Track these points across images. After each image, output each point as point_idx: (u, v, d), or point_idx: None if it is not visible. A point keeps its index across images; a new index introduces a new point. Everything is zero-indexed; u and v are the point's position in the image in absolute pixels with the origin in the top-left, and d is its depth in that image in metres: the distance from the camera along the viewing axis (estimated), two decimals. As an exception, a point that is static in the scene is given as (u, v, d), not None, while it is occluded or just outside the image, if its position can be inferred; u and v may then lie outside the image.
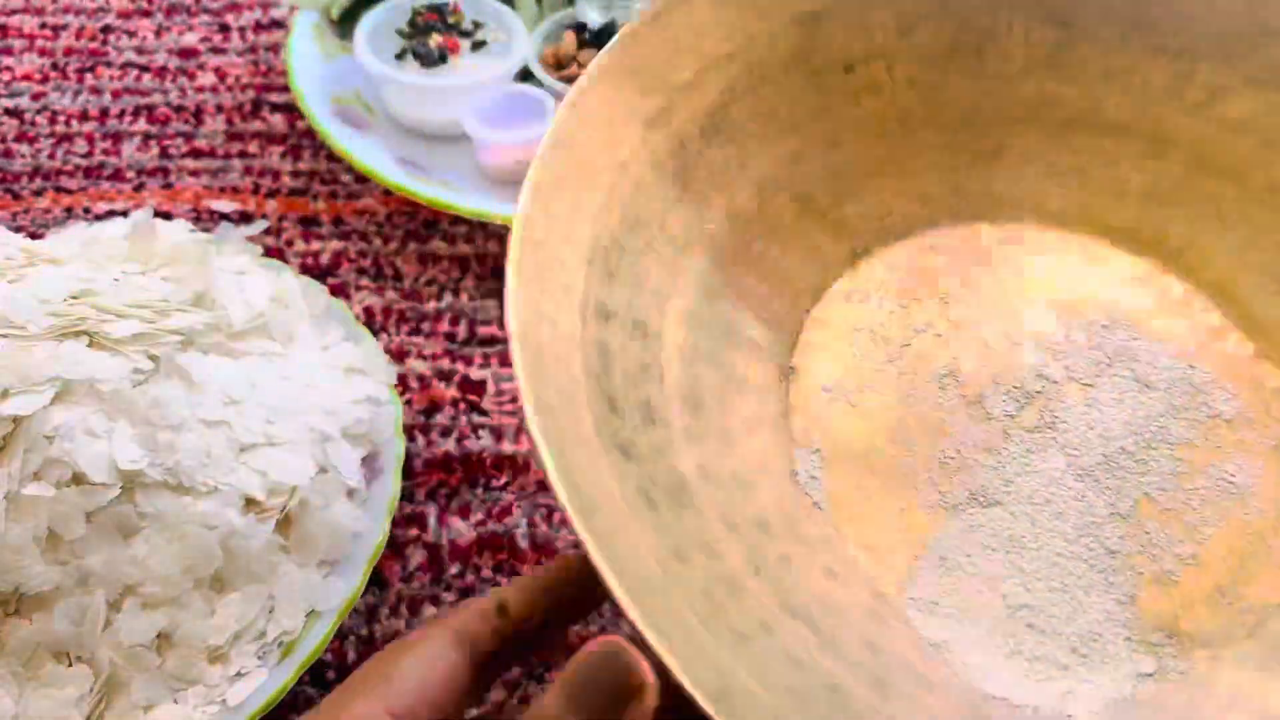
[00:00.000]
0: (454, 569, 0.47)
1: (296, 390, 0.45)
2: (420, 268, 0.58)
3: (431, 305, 0.56)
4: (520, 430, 0.51)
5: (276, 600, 0.41)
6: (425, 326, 0.55)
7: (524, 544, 0.47)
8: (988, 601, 0.36)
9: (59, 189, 0.62)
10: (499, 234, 0.60)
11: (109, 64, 0.70)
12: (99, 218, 0.60)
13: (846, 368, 0.39)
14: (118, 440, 0.39)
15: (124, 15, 0.73)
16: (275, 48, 0.71)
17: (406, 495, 0.49)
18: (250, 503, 0.42)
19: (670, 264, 0.37)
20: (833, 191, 0.41)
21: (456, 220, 0.60)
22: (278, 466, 0.42)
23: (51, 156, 0.64)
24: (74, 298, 0.42)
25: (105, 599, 0.39)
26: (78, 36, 0.72)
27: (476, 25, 0.64)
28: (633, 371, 0.34)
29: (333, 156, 0.64)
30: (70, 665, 0.38)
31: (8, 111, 0.67)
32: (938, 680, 0.34)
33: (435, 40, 0.63)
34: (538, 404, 0.28)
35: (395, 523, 0.47)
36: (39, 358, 0.39)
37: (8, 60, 0.70)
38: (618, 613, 0.36)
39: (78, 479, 0.38)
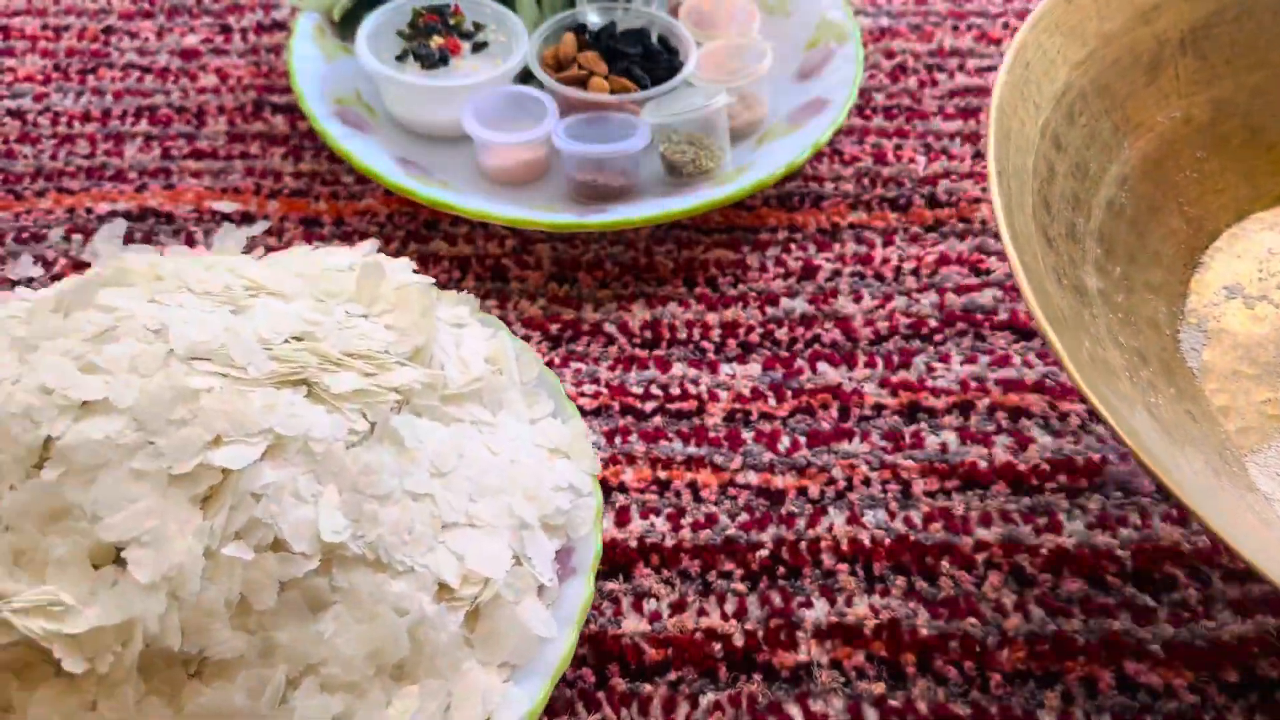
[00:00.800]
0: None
1: (501, 467, 0.42)
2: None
3: (432, 306, 0.57)
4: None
5: (454, 699, 0.38)
6: (426, 327, 0.56)
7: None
8: None
9: (61, 189, 0.62)
10: (499, 234, 0.60)
11: (111, 65, 0.70)
12: (101, 218, 0.60)
13: (1251, 278, 0.45)
14: (324, 507, 0.37)
15: (126, 16, 0.73)
16: (277, 49, 0.71)
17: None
18: (442, 588, 0.39)
19: (1120, 135, 0.44)
20: None
21: (457, 221, 0.60)
22: (475, 552, 0.40)
23: (54, 157, 0.64)
24: (295, 338, 0.40)
25: (286, 675, 0.36)
26: (80, 38, 0.72)
27: (477, 26, 0.65)
28: (1067, 196, 0.41)
29: (334, 157, 0.64)
30: None
31: (10, 112, 0.67)
32: (1264, 515, 0.39)
33: (436, 42, 0.63)
34: (999, 166, 0.37)
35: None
36: (256, 406, 0.37)
37: (10, 61, 0.70)
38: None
39: (277, 545, 0.36)
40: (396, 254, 0.59)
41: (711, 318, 0.56)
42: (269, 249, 0.59)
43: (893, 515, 0.48)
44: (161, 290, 0.41)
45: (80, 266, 0.58)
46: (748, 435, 0.51)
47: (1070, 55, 0.43)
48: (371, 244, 0.49)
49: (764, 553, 0.47)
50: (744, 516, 0.48)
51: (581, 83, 0.61)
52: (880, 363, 0.54)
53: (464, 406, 0.43)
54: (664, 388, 0.53)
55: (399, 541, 0.38)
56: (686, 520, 0.48)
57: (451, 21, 0.64)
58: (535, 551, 0.41)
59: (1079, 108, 0.43)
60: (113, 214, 0.61)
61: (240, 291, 0.42)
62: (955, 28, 0.73)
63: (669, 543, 0.48)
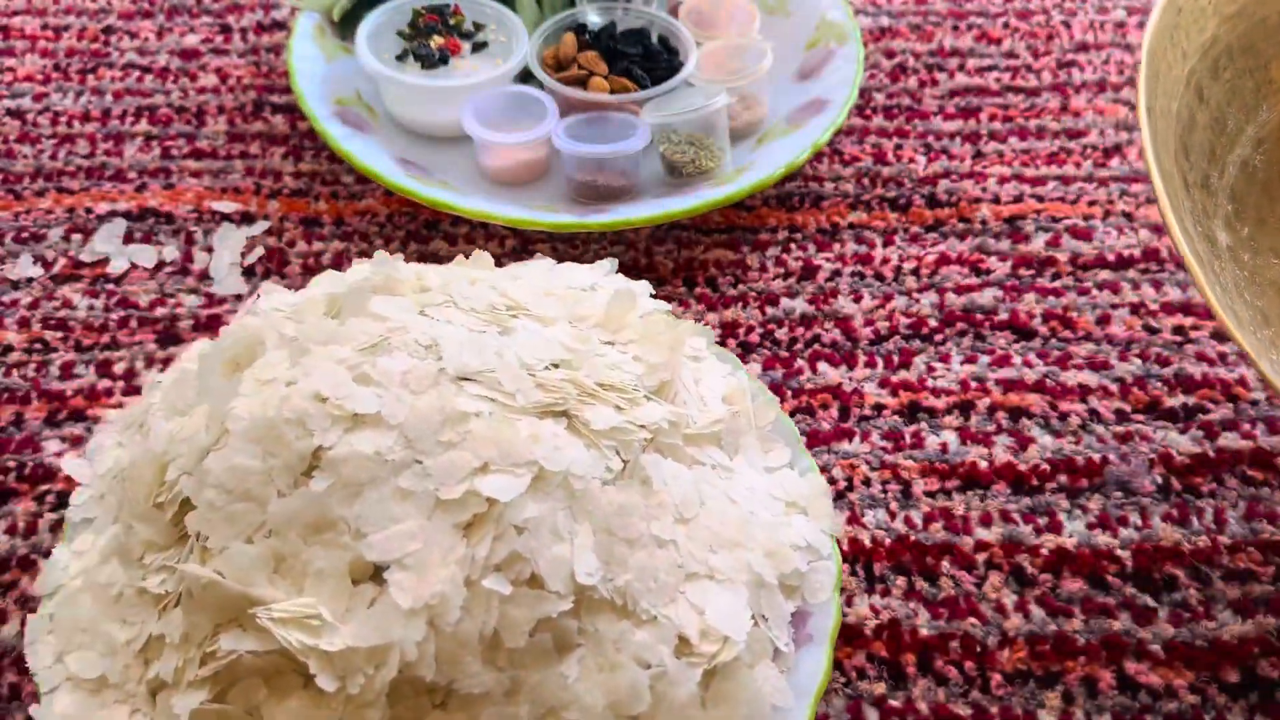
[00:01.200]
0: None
1: (740, 517, 0.40)
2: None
3: (432, 305, 0.57)
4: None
5: None
6: (426, 327, 0.56)
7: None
8: None
9: (61, 189, 0.62)
10: (500, 234, 0.60)
11: (111, 65, 0.70)
12: (101, 218, 0.60)
13: None
14: (579, 546, 0.36)
15: (126, 16, 0.73)
16: (277, 49, 0.71)
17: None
18: (681, 642, 0.37)
19: (1260, 96, 0.44)
20: None
21: (457, 220, 0.60)
22: (715, 607, 0.38)
23: (53, 157, 0.64)
24: (554, 365, 0.39)
25: (528, 715, 0.35)
26: (79, 37, 0.72)
27: (477, 26, 0.65)
28: (1204, 147, 0.42)
29: (334, 157, 0.64)
30: None
31: (10, 112, 0.67)
32: None
33: (436, 42, 0.63)
34: (1149, 102, 0.38)
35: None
36: (523, 435, 0.36)
37: (10, 61, 0.70)
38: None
39: (533, 582, 0.35)
40: (397, 254, 0.59)
41: (711, 318, 0.56)
42: (269, 249, 0.59)
43: (893, 515, 0.48)
44: (428, 303, 0.41)
45: (80, 266, 0.58)
46: (748, 435, 0.51)
47: (1222, 8, 0.43)
48: (611, 263, 0.47)
49: (764, 553, 0.47)
50: (744, 516, 0.48)
51: (581, 83, 0.61)
52: (880, 363, 0.54)
53: (704, 449, 0.42)
54: (664, 388, 0.53)
55: (645, 589, 0.37)
56: (686, 520, 0.48)
57: (451, 21, 0.64)
58: (773, 612, 0.39)
59: (1223, 63, 0.43)
60: (113, 214, 0.61)
61: (504, 312, 0.41)
62: (955, 28, 0.73)
63: (669, 543, 0.47)
